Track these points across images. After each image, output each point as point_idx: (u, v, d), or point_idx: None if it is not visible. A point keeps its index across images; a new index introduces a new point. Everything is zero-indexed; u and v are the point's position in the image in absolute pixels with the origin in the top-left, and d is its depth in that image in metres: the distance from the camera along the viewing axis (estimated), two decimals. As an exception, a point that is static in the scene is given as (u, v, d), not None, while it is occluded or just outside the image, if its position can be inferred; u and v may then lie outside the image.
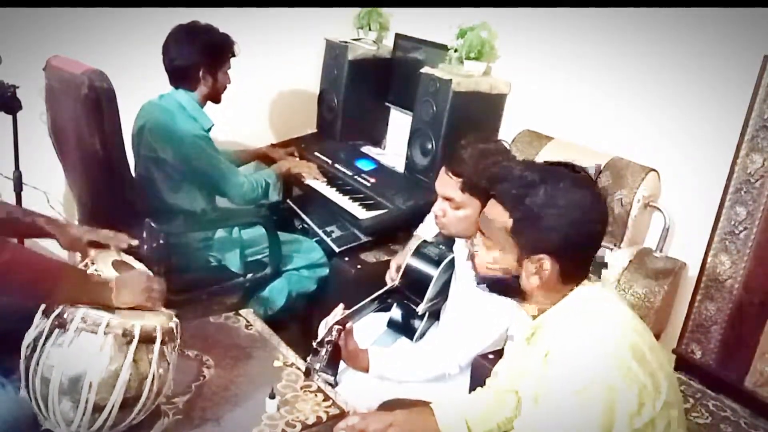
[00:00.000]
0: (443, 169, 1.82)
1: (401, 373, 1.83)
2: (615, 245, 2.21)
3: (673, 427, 1.22)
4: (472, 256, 1.34)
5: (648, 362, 1.18)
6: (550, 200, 1.19)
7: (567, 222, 1.19)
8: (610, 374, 1.13)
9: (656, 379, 1.17)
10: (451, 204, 1.79)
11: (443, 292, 2.02)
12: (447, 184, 1.79)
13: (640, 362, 1.16)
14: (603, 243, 2.10)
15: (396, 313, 2.07)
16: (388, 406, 1.76)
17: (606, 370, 1.13)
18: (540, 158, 2.29)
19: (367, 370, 1.81)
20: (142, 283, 1.46)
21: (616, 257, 2.13)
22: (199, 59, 2.36)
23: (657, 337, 2.12)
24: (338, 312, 1.82)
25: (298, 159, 2.96)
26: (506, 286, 1.29)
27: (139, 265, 1.65)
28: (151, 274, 1.58)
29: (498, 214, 1.25)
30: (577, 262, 1.26)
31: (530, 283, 1.25)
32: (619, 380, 1.13)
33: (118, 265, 1.58)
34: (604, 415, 1.13)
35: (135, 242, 1.73)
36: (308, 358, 1.67)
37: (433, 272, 1.96)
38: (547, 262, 1.22)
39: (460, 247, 1.98)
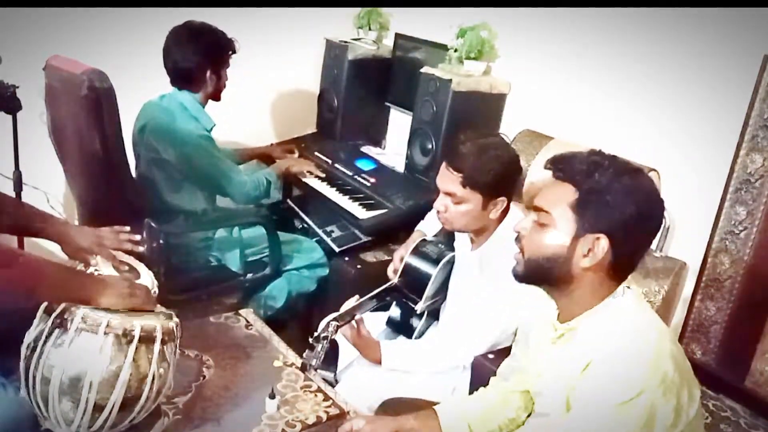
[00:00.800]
0: (444, 164, 1.83)
1: (414, 365, 1.84)
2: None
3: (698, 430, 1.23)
4: (518, 239, 1.29)
5: (684, 371, 1.18)
6: (617, 179, 1.20)
7: (631, 203, 1.19)
8: (653, 389, 1.11)
9: (691, 388, 1.18)
10: (452, 199, 1.80)
11: (442, 290, 2.02)
12: (448, 179, 1.80)
13: (679, 372, 1.15)
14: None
15: (395, 311, 2.08)
16: (388, 405, 1.76)
17: (649, 384, 1.12)
18: (540, 158, 2.29)
19: (379, 362, 1.83)
20: (126, 287, 1.43)
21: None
22: (205, 60, 2.35)
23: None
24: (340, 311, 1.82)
25: (296, 157, 2.97)
26: (550, 269, 1.24)
27: (140, 265, 1.65)
28: (134, 281, 1.55)
29: (561, 189, 1.23)
30: (629, 253, 1.24)
31: (580, 265, 1.21)
32: (660, 394, 1.12)
33: (118, 264, 1.58)
34: (643, 426, 1.12)
35: (137, 237, 1.71)
36: (304, 354, 1.67)
37: (432, 271, 1.96)
38: (604, 241, 1.19)
39: (461, 245, 1.98)
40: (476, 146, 1.78)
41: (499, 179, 1.77)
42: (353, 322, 1.81)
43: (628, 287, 1.27)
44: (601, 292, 1.24)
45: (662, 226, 2.16)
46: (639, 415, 1.11)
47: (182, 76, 2.37)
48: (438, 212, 1.86)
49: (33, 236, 1.70)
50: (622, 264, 1.24)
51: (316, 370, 1.69)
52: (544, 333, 1.35)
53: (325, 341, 1.66)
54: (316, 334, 1.67)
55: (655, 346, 1.16)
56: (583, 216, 1.20)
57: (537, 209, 1.26)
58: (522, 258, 1.28)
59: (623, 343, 1.17)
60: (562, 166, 1.25)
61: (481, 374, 1.70)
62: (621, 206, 1.18)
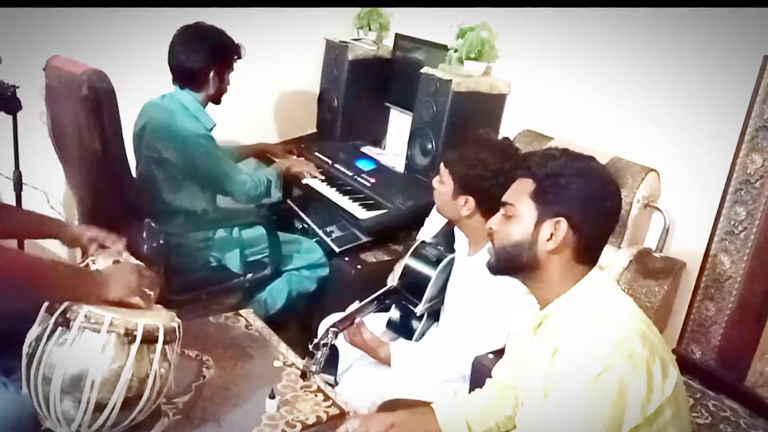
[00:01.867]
0: (441, 165, 1.92)
1: (422, 368, 1.84)
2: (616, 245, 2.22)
3: (682, 414, 1.24)
4: (490, 234, 1.38)
5: (656, 348, 1.20)
6: (569, 166, 1.30)
7: (584, 184, 1.28)
8: (620, 363, 1.14)
9: (665, 365, 1.19)
10: (439, 178, 1.91)
11: (443, 292, 2.02)
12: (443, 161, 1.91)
13: (649, 349, 1.17)
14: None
15: (395, 314, 2.08)
16: (388, 406, 1.76)
17: (616, 359, 1.14)
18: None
19: (388, 362, 1.84)
20: (131, 273, 1.45)
21: (616, 257, 2.13)
22: (210, 61, 2.36)
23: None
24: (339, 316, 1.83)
25: (296, 157, 2.97)
26: (518, 257, 1.31)
27: (141, 265, 1.65)
28: (139, 263, 1.57)
29: (522, 183, 1.33)
30: (591, 234, 1.29)
31: (545, 249, 1.28)
32: (629, 369, 1.14)
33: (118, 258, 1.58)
34: (616, 404, 1.14)
35: (122, 247, 1.72)
36: (304, 361, 1.68)
37: (431, 273, 1.96)
38: (563, 223, 1.26)
39: (459, 244, 1.98)
40: (475, 139, 1.88)
41: (471, 177, 1.82)
42: (353, 327, 1.81)
43: (600, 271, 1.33)
44: (571, 276, 1.30)
45: (662, 225, 2.18)
46: (610, 392, 1.13)
47: (186, 75, 2.38)
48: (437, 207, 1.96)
49: (32, 238, 1.71)
50: (586, 245, 1.30)
51: (317, 375, 1.69)
52: (526, 324, 1.39)
53: (325, 348, 1.66)
54: (315, 341, 1.67)
55: (621, 324, 1.21)
56: (542, 202, 1.29)
57: (503, 204, 1.35)
58: (492, 250, 1.37)
59: (589, 323, 1.23)
60: (523, 164, 1.37)
61: (481, 374, 1.70)
62: (575, 188, 1.28)
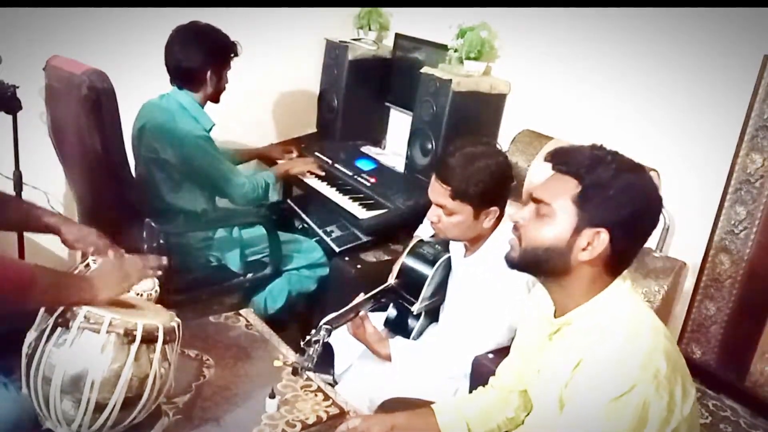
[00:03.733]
0: (433, 176, 1.81)
1: (422, 365, 1.84)
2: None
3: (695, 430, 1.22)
4: (516, 228, 1.29)
5: (679, 367, 1.17)
6: (619, 174, 1.20)
7: (632, 199, 1.20)
8: (645, 384, 1.11)
9: (685, 384, 1.17)
10: (444, 211, 1.79)
11: (440, 291, 2.02)
12: (437, 191, 1.78)
13: (672, 369, 1.14)
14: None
15: (392, 312, 2.08)
16: (388, 406, 1.76)
17: (641, 380, 1.11)
18: (540, 158, 2.29)
19: (389, 358, 1.83)
20: (117, 270, 1.43)
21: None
22: (208, 61, 2.35)
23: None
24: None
25: (295, 158, 2.96)
26: (549, 260, 1.24)
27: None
28: (121, 257, 1.55)
29: (564, 182, 1.23)
30: (627, 249, 1.24)
31: (579, 258, 1.21)
32: (653, 390, 1.11)
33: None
34: (635, 424, 1.11)
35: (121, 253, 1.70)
36: (295, 357, 1.68)
37: (428, 272, 1.96)
38: (604, 235, 1.19)
39: (456, 247, 1.98)
40: (464, 157, 1.75)
41: (489, 190, 1.74)
42: (357, 319, 1.81)
43: (624, 282, 1.26)
44: (596, 286, 1.25)
45: (662, 225, 2.17)
46: (632, 412, 1.11)
47: (183, 76, 2.37)
48: (432, 223, 1.86)
49: (33, 231, 1.69)
50: (619, 259, 1.24)
51: (311, 372, 1.69)
52: (541, 329, 1.35)
53: (317, 345, 1.66)
54: (307, 338, 1.67)
55: (648, 341, 1.16)
56: (585, 209, 1.20)
57: (537, 201, 1.26)
58: (519, 246, 1.28)
59: (615, 338, 1.17)
60: (565, 159, 1.25)
61: (481, 374, 1.70)
62: (622, 202, 1.19)
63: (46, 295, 1.32)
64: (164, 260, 1.55)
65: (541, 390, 1.32)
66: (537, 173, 2.25)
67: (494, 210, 1.77)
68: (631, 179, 1.21)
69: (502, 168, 1.77)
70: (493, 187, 1.75)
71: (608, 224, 1.19)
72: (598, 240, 1.20)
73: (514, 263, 1.30)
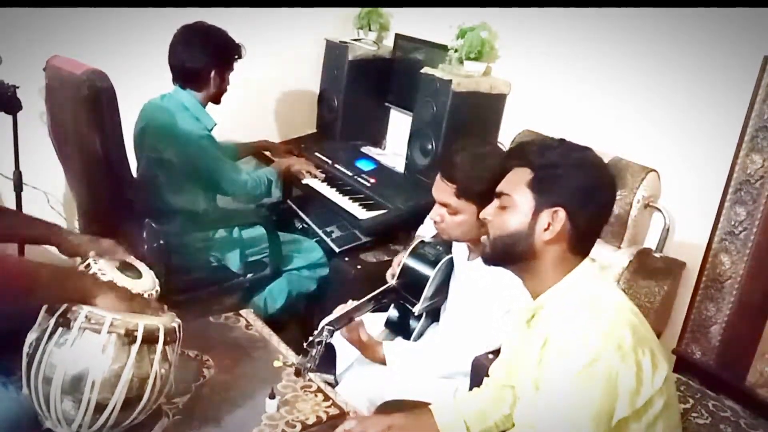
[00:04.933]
0: (438, 175, 1.81)
1: (417, 367, 1.84)
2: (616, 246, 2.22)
3: (673, 407, 1.24)
4: (483, 225, 1.37)
5: (646, 339, 1.20)
6: (567, 156, 1.31)
7: (581, 175, 1.29)
8: (609, 354, 1.14)
9: (654, 356, 1.19)
10: (448, 209, 1.79)
11: (441, 292, 2.02)
12: (442, 190, 1.78)
13: (638, 340, 1.17)
14: (605, 242, 2.12)
15: (393, 313, 2.08)
16: (388, 406, 1.76)
17: (605, 349, 1.14)
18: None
19: (383, 362, 1.83)
20: (123, 294, 1.41)
21: (616, 257, 2.13)
22: (212, 61, 2.36)
23: (657, 337, 2.13)
24: (336, 312, 1.83)
25: (296, 156, 2.97)
26: (514, 246, 1.31)
27: (141, 265, 1.65)
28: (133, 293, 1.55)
29: (519, 173, 1.33)
30: (587, 224, 1.30)
31: (542, 239, 1.28)
32: (618, 360, 1.14)
33: (123, 266, 1.58)
34: (605, 395, 1.14)
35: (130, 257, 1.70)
36: (298, 358, 1.68)
37: (430, 272, 1.96)
38: (561, 213, 1.27)
39: (458, 247, 1.98)
40: (469, 156, 1.76)
41: (493, 189, 1.75)
42: (353, 324, 1.81)
43: (591, 262, 1.33)
44: (564, 267, 1.30)
45: (662, 225, 2.17)
46: (600, 383, 1.13)
47: (187, 75, 2.38)
48: (435, 222, 1.85)
49: (31, 243, 1.70)
50: (582, 235, 1.30)
51: (312, 372, 1.69)
52: (521, 318, 1.39)
53: (320, 346, 1.66)
54: (310, 338, 1.67)
55: (611, 315, 1.20)
56: (540, 192, 1.29)
57: (498, 195, 1.35)
58: (488, 239, 1.36)
59: (580, 314, 1.22)
60: (518, 154, 1.38)
61: (481, 374, 1.70)
62: (572, 178, 1.28)
63: (49, 292, 1.32)
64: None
65: (520, 377, 1.36)
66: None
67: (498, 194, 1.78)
68: (578, 156, 1.31)
69: (504, 167, 1.77)
70: (496, 186, 1.75)
71: (563, 202, 1.27)
72: (557, 218, 1.27)
73: (487, 258, 1.38)
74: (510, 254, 1.33)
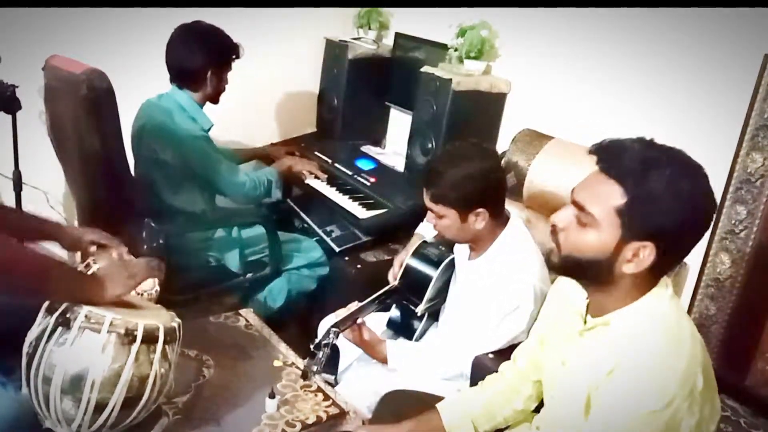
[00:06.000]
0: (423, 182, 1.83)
1: (419, 367, 1.84)
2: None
3: None
4: (554, 231, 1.21)
5: (711, 383, 1.13)
6: (673, 183, 1.08)
7: (685, 209, 1.09)
8: (680, 400, 1.06)
9: (714, 402, 1.14)
10: (434, 214, 1.81)
11: (443, 292, 2.02)
12: (425, 196, 1.81)
13: (707, 385, 1.10)
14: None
15: (395, 313, 2.08)
16: (389, 399, 1.75)
17: (677, 395, 1.06)
18: (540, 158, 2.29)
19: (385, 361, 1.83)
20: (124, 270, 1.45)
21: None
22: (209, 61, 2.35)
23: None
24: (339, 314, 1.83)
25: (298, 157, 2.96)
26: (592, 270, 1.16)
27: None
28: (129, 257, 1.57)
29: (608, 188, 1.12)
30: (675, 257, 1.17)
31: (624, 271, 1.14)
32: (686, 407, 1.07)
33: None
34: None
35: (126, 252, 1.71)
36: (305, 361, 1.68)
37: (433, 273, 1.96)
38: (650, 250, 1.11)
39: (459, 247, 1.98)
40: (442, 162, 1.77)
41: (469, 193, 1.73)
42: (356, 324, 1.81)
43: (666, 288, 1.19)
44: (639, 291, 1.17)
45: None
46: (661, 426, 1.06)
47: (183, 75, 2.37)
48: (433, 225, 1.87)
49: (30, 240, 1.71)
50: (666, 266, 1.17)
51: (318, 375, 1.69)
52: (571, 323, 1.29)
53: (327, 348, 1.66)
54: (316, 341, 1.67)
55: (689, 354, 1.10)
56: (630, 222, 1.10)
57: (577, 206, 1.16)
58: (558, 253, 1.20)
59: (656, 347, 1.11)
60: (611, 158, 1.13)
61: (480, 374, 1.70)
62: (672, 214, 1.09)
63: (59, 289, 1.33)
64: (162, 265, 1.56)
65: (566, 385, 1.28)
66: (538, 172, 2.25)
67: (482, 211, 1.76)
68: (685, 188, 1.09)
69: (485, 171, 1.76)
70: (474, 190, 1.74)
71: (656, 238, 1.10)
72: (644, 253, 1.11)
73: (555, 268, 1.26)
74: (582, 274, 1.21)
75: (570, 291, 1.31)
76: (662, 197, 1.08)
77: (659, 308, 1.16)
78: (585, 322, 1.25)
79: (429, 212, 1.84)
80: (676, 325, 1.15)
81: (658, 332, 1.13)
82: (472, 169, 1.74)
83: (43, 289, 1.32)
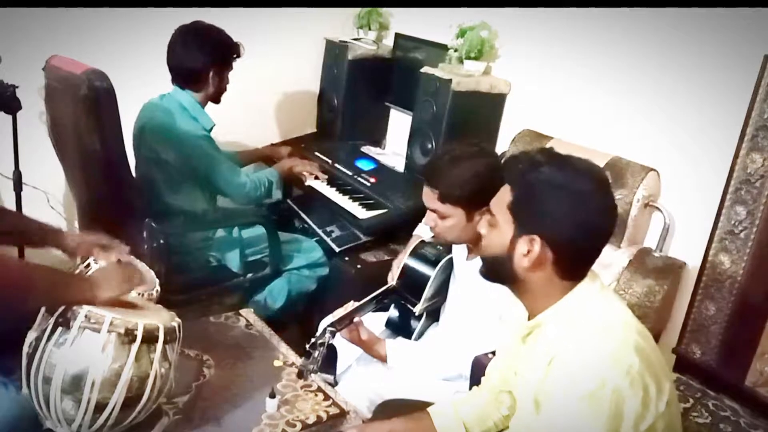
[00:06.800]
0: (425, 181, 1.82)
1: (418, 367, 1.84)
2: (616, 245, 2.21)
3: (674, 428, 1.22)
4: (480, 239, 1.33)
5: (652, 363, 1.17)
6: (549, 179, 1.19)
7: (562, 204, 1.19)
8: (617, 379, 1.11)
9: (659, 380, 1.17)
10: (437, 215, 1.80)
11: (441, 292, 2.02)
12: (428, 196, 1.80)
13: (646, 364, 1.14)
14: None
15: (393, 313, 2.08)
16: (387, 406, 1.76)
17: (613, 375, 1.11)
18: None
19: (385, 359, 1.83)
20: (119, 274, 1.45)
21: (616, 257, 2.14)
22: (210, 61, 2.35)
23: (657, 337, 2.13)
24: (336, 314, 1.83)
25: (299, 158, 2.96)
26: (500, 268, 1.27)
27: (142, 265, 1.65)
28: (128, 260, 1.57)
29: (503, 191, 1.26)
30: (573, 254, 1.22)
31: (521, 265, 1.22)
32: (626, 385, 1.11)
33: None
34: (611, 420, 1.11)
35: (127, 252, 1.71)
36: (301, 360, 1.68)
37: (431, 272, 1.96)
38: (537, 243, 1.20)
39: (457, 247, 1.98)
40: (449, 160, 1.77)
41: (478, 191, 1.71)
42: (353, 324, 1.81)
43: (593, 282, 1.26)
44: (556, 291, 1.25)
45: (662, 225, 2.17)
46: (606, 408, 1.10)
47: (185, 76, 2.37)
48: (430, 228, 1.86)
49: (31, 247, 1.72)
50: (569, 262, 1.23)
51: (315, 374, 1.69)
52: (516, 332, 1.36)
53: (322, 347, 1.66)
54: (312, 340, 1.67)
55: (619, 337, 1.16)
56: (518, 217, 1.22)
57: (489, 211, 1.30)
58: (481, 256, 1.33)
59: (586, 335, 1.18)
60: (507, 168, 1.29)
61: (480, 374, 1.70)
62: (552, 207, 1.19)
63: (47, 295, 1.32)
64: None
65: (520, 391, 1.33)
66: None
67: (487, 210, 1.77)
68: (564, 179, 1.19)
69: (491, 169, 1.75)
70: (482, 188, 1.73)
71: (540, 230, 1.20)
72: (534, 247, 1.20)
73: (483, 275, 1.35)
74: (496, 274, 1.31)
75: (516, 303, 1.36)
76: (536, 191, 1.20)
77: (587, 302, 1.24)
78: (524, 329, 1.32)
79: (429, 214, 1.83)
80: (605, 313, 1.22)
81: (587, 322, 1.20)
82: (480, 167, 1.74)
83: (31, 295, 1.31)
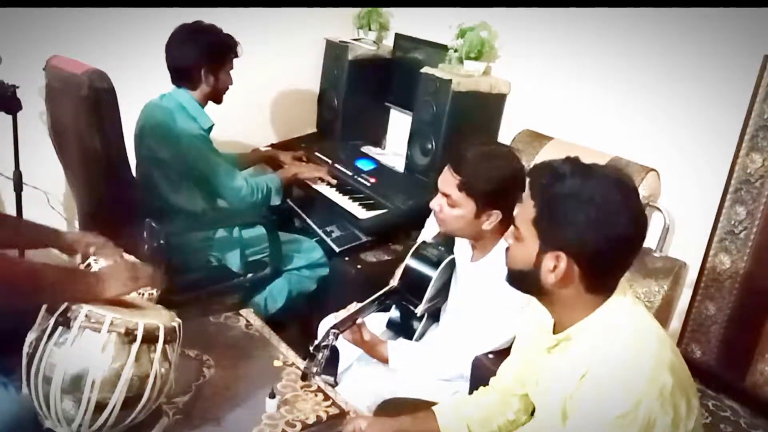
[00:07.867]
0: (448, 165, 1.82)
1: (419, 368, 1.84)
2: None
3: None
4: (507, 249, 1.31)
5: (683, 381, 1.15)
6: (574, 192, 1.14)
7: (588, 218, 1.13)
8: (650, 400, 1.09)
9: (689, 399, 1.15)
10: (448, 201, 1.80)
11: (442, 292, 2.02)
12: (448, 180, 1.80)
13: (678, 383, 1.13)
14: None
15: (395, 314, 2.08)
16: (388, 405, 1.76)
17: (647, 396, 1.09)
18: (540, 158, 2.29)
19: (386, 360, 1.83)
20: (127, 271, 1.45)
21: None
22: (201, 59, 2.36)
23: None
24: (339, 315, 1.83)
25: (305, 163, 2.94)
26: (527, 282, 1.24)
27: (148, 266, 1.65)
28: (135, 260, 1.58)
29: (526, 204, 1.21)
30: (601, 269, 1.19)
31: (547, 281, 1.19)
32: (658, 406, 1.09)
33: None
34: None
35: (121, 254, 1.72)
36: (305, 363, 1.68)
37: (432, 273, 1.96)
38: (563, 260, 1.16)
39: (460, 248, 1.98)
40: (480, 152, 1.78)
41: (496, 190, 1.74)
42: (356, 325, 1.81)
43: (624, 296, 1.23)
44: (586, 305, 1.21)
45: (662, 225, 2.17)
46: (637, 428, 1.09)
47: (179, 73, 2.39)
48: (434, 212, 1.87)
49: (29, 248, 1.72)
50: (596, 278, 1.20)
51: (318, 376, 1.69)
52: (539, 341, 1.34)
53: (326, 350, 1.66)
54: (316, 343, 1.67)
55: (654, 355, 1.13)
56: (543, 232, 1.18)
57: (514, 225, 1.26)
58: (507, 266, 1.31)
59: (621, 352, 1.14)
60: (530, 179, 1.23)
61: (480, 374, 1.70)
62: (576, 222, 1.14)
63: (55, 290, 1.33)
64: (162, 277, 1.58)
65: (543, 401, 1.32)
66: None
67: (496, 213, 1.77)
68: (587, 195, 1.14)
69: (515, 174, 1.76)
70: (500, 189, 1.75)
71: (565, 246, 1.16)
72: (560, 263, 1.17)
73: (508, 282, 1.33)
74: (524, 286, 1.28)
75: (540, 311, 1.34)
76: (561, 205, 1.15)
77: (619, 316, 1.19)
78: (550, 340, 1.30)
79: (439, 197, 1.82)
80: (639, 329, 1.18)
81: (621, 338, 1.16)
82: (508, 171, 1.76)
83: (36, 293, 1.31)
